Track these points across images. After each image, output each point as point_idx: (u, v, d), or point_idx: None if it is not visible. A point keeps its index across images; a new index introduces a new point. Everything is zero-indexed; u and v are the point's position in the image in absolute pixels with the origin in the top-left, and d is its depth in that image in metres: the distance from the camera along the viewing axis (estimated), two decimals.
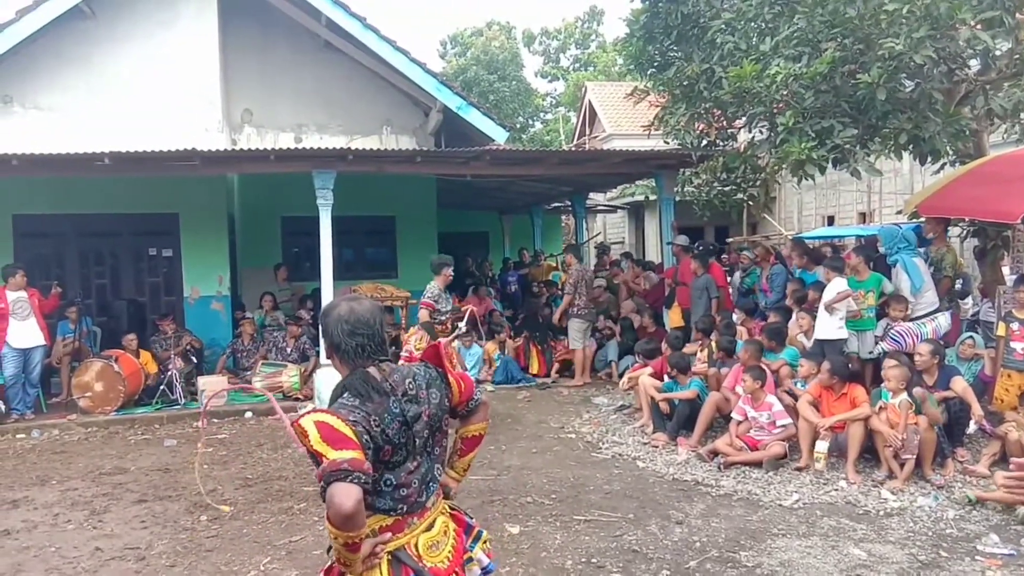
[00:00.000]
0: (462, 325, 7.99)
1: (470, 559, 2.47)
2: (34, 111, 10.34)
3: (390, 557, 2.26)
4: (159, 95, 10.46)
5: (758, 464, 6.18)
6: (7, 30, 9.61)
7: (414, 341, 7.46)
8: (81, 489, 6.27)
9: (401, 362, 7.38)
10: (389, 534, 2.27)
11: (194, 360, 9.85)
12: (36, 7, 9.69)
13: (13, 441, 8.07)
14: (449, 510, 2.50)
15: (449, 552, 2.38)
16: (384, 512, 2.28)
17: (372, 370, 2.30)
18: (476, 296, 12.26)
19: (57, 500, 6.00)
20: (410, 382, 2.34)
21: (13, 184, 9.53)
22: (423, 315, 7.84)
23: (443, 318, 7.88)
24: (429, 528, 2.37)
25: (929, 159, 7.14)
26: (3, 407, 8.42)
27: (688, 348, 8.62)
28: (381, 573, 2.23)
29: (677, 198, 11.02)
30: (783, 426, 6.36)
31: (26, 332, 8.70)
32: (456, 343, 10.67)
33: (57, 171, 8.87)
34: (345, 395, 2.23)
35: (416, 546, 2.31)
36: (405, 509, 2.30)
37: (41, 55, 10.24)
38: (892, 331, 6.85)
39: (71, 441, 8.05)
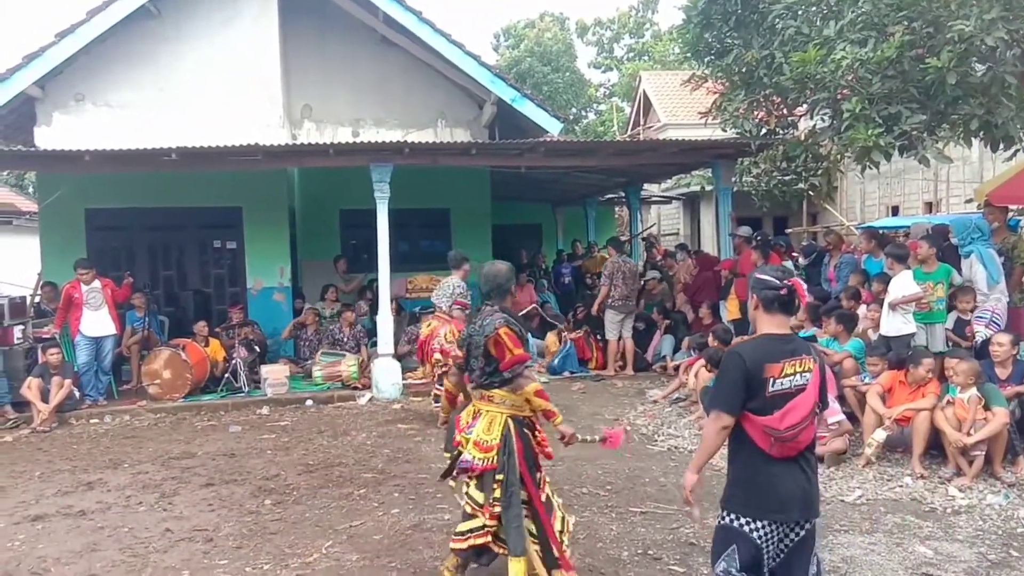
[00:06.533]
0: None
1: None
2: (105, 108, 10.70)
3: None
4: (222, 92, 10.73)
5: (819, 459, 6.04)
6: (78, 30, 9.96)
7: (444, 333, 7.47)
8: (151, 472, 6.51)
9: (436, 355, 7.48)
10: None
11: (257, 350, 10.12)
12: (105, 7, 10.01)
13: (87, 426, 8.43)
14: None
15: None
16: None
17: None
18: (517, 286, 12.46)
19: (129, 483, 6.24)
20: None
21: (86, 179, 9.91)
22: (458, 313, 7.71)
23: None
24: None
25: (1001, 146, 6.87)
26: (77, 393, 8.79)
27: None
28: None
29: (735, 188, 10.83)
30: (836, 423, 6.14)
31: (98, 321, 9.07)
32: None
33: (127, 166, 9.20)
34: None
35: None
36: None
37: (110, 54, 10.58)
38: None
39: (141, 426, 8.36)
